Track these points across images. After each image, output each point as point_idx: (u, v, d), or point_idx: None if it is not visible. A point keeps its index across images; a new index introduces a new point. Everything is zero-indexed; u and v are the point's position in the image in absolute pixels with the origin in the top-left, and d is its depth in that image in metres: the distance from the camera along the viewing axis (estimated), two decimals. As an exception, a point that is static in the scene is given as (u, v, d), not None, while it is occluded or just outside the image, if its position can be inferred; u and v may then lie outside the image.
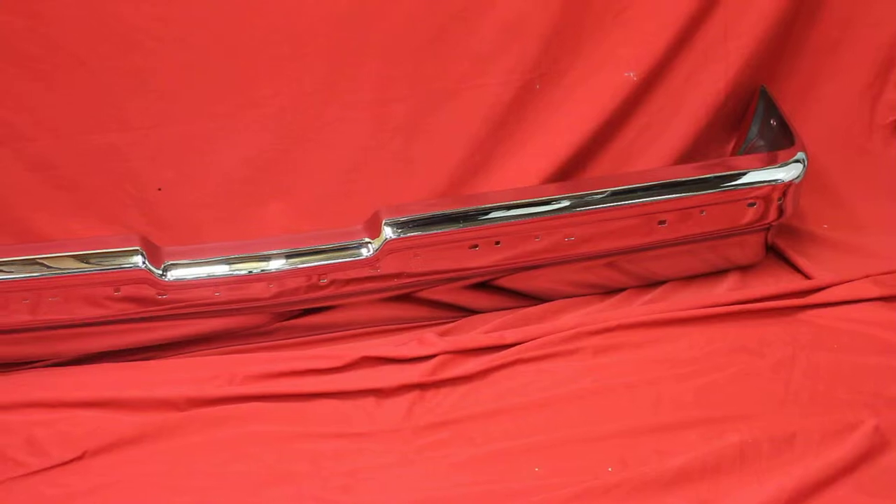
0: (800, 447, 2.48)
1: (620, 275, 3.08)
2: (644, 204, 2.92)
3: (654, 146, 3.23)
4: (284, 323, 2.96)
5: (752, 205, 2.98)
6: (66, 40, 2.87)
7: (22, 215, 2.98)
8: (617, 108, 3.16)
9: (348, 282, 2.86)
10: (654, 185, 2.94)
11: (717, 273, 3.15)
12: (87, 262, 2.70)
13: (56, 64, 2.88)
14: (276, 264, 2.81)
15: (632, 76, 3.13)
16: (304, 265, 2.82)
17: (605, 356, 2.83)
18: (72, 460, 2.53)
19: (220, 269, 2.79)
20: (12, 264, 2.68)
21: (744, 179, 2.96)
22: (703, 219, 2.97)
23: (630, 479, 2.39)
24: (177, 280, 2.76)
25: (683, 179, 2.95)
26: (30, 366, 2.86)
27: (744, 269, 3.16)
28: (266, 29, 2.96)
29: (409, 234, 2.81)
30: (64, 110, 2.93)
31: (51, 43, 2.87)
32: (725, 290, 3.07)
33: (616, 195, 2.91)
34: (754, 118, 3.26)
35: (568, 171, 3.18)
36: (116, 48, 2.90)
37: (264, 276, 2.80)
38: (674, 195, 2.93)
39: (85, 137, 2.95)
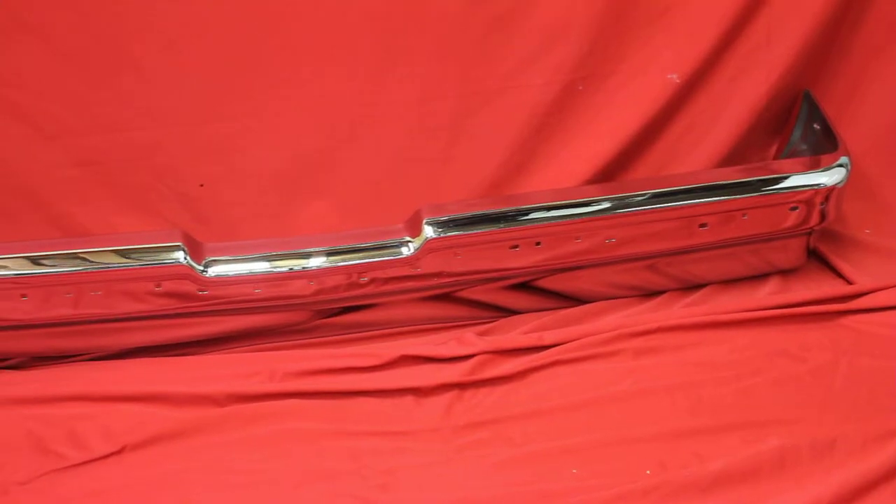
0: (840, 453, 2.47)
1: (661, 277, 3.07)
2: (685, 206, 2.91)
3: (697, 149, 3.22)
4: (324, 320, 2.97)
5: (794, 209, 2.97)
6: (113, 37, 2.88)
7: (66, 210, 2.99)
8: (659, 110, 3.15)
9: (388, 280, 2.87)
10: (696, 188, 2.93)
11: (759, 277, 3.14)
12: (128, 258, 2.71)
13: (103, 60, 2.90)
14: (316, 262, 2.82)
15: (675, 78, 3.12)
16: (345, 263, 2.82)
17: (644, 358, 2.83)
18: (112, 454, 2.54)
19: (261, 266, 2.80)
20: (55, 258, 2.70)
21: (786, 183, 2.95)
22: (745, 222, 2.96)
23: (668, 483, 2.39)
24: (218, 276, 2.77)
25: (725, 182, 2.94)
26: (71, 360, 2.88)
27: (785, 273, 3.15)
28: (311, 28, 2.97)
29: (449, 234, 2.81)
30: (110, 106, 2.94)
31: (98, 39, 2.88)
32: (767, 294, 3.06)
33: (657, 197, 2.90)
34: (797, 122, 3.24)
35: (609, 173, 3.17)
36: (162, 45, 2.91)
37: (305, 274, 2.81)
38: (715, 198, 2.92)
39: (130, 134, 2.96)
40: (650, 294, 3.10)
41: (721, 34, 3.12)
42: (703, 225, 2.93)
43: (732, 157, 3.23)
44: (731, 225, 2.96)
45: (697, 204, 2.91)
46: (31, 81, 2.89)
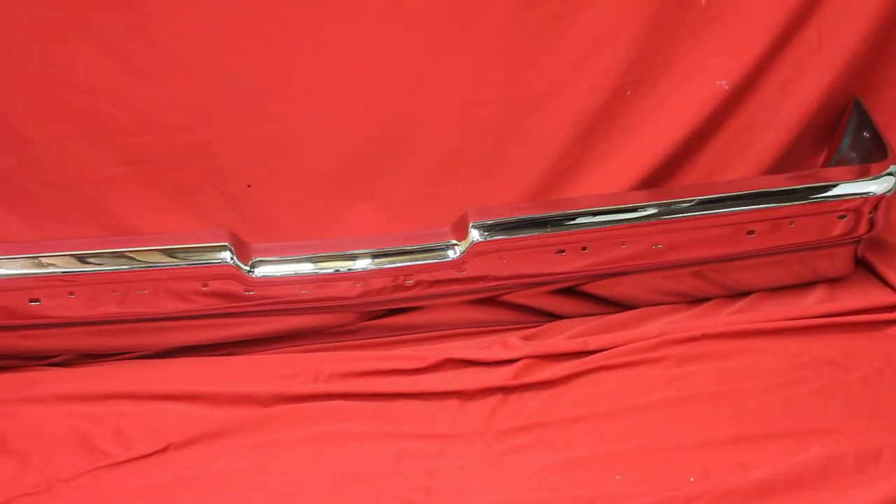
0: (886, 463, 2.45)
1: (707, 284, 3.06)
2: (733, 213, 2.90)
3: (745, 156, 3.20)
4: (369, 322, 2.98)
5: (842, 217, 2.95)
6: (163, 37, 2.90)
7: (114, 209, 3.01)
8: (708, 116, 3.13)
9: (434, 283, 2.87)
10: (744, 195, 2.92)
11: (805, 285, 3.12)
12: (175, 257, 2.73)
13: (154, 60, 2.92)
14: (362, 264, 2.82)
15: (724, 85, 3.11)
16: (391, 265, 2.83)
17: (689, 365, 2.82)
18: (156, 452, 2.55)
19: (307, 267, 2.81)
20: (102, 257, 2.72)
21: (835, 191, 2.94)
22: (793, 230, 2.95)
23: (711, 490, 2.37)
24: (264, 277, 2.78)
25: (773, 190, 2.93)
26: (117, 358, 2.90)
27: (832, 281, 3.13)
28: (360, 30, 2.97)
29: (495, 238, 2.81)
30: (159, 106, 2.96)
31: (149, 40, 2.90)
32: (813, 303, 3.05)
33: (704, 204, 2.90)
34: (847, 130, 3.22)
35: (657, 179, 3.16)
36: (212, 46, 2.93)
37: (350, 276, 2.82)
38: (763, 205, 2.91)
39: (178, 134, 2.98)
40: (695, 301, 3.09)
41: (772, 40, 3.10)
42: (750, 232, 2.92)
43: (781, 165, 3.21)
44: (779, 232, 2.95)
45: (745, 211, 2.90)
46: (80, 81, 2.91)
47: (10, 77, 2.88)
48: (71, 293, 2.72)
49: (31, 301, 2.72)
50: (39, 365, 2.87)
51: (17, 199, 2.98)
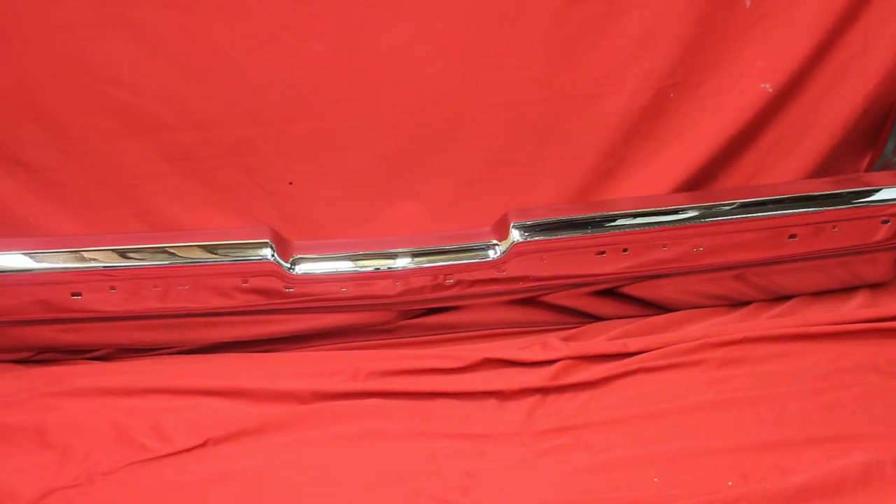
0: (927, 470, 2.44)
1: (748, 287, 3.05)
2: (774, 217, 2.90)
3: (788, 159, 3.19)
4: (408, 321, 2.98)
5: (885, 222, 2.94)
6: (208, 33, 2.91)
7: (156, 204, 3.03)
8: (751, 119, 3.12)
9: (474, 283, 2.87)
10: (786, 199, 2.92)
11: (847, 290, 3.11)
12: (215, 253, 2.74)
13: (198, 56, 2.93)
14: (402, 262, 2.83)
15: (768, 88, 3.10)
16: (431, 265, 2.83)
17: (728, 369, 2.81)
18: (195, 447, 2.57)
19: (348, 265, 2.82)
20: (143, 252, 2.73)
21: (878, 196, 2.92)
22: (835, 234, 2.93)
23: (750, 495, 2.37)
24: (304, 274, 2.79)
25: (816, 194, 2.92)
26: (157, 352, 2.92)
27: (874, 286, 3.12)
28: (406, 30, 2.98)
29: (536, 238, 2.81)
30: (203, 103, 2.97)
31: (194, 35, 2.91)
32: (854, 308, 3.03)
33: (746, 207, 2.89)
34: (891, 134, 3.21)
35: (699, 182, 3.16)
36: (257, 43, 2.94)
37: (391, 274, 2.82)
38: (806, 209, 2.90)
39: (221, 130, 2.99)
40: (736, 304, 3.08)
41: (817, 44, 3.09)
42: (792, 236, 2.91)
43: (824, 169, 3.19)
44: (821, 237, 2.94)
45: (787, 215, 2.89)
46: (126, 77, 2.92)
47: (55, 73, 2.90)
48: (112, 288, 2.74)
49: (73, 295, 2.74)
50: (80, 359, 2.90)
51: (61, 194, 3.00)
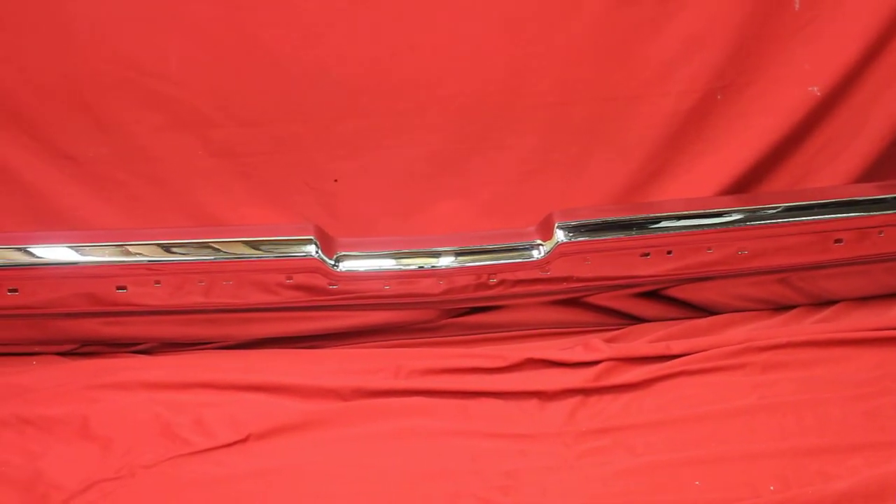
0: (970, 478, 2.42)
1: (792, 291, 3.03)
2: (820, 221, 2.88)
3: (834, 163, 3.18)
4: (451, 320, 2.98)
5: (932, 227, 2.92)
6: (255, 30, 2.93)
7: (201, 200, 3.05)
8: (798, 123, 3.11)
9: (517, 283, 2.87)
10: (831, 203, 2.90)
11: (891, 295, 3.09)
12: (259, 249, 2.75)
13: (244, 53, 2.95)
14: (446, 261, 2.83)
15: (815, 91, 3.09)
16: (474, 264, 2.83)
17: (772, 373, 2.79)
18: (236, 442, 2.57)
19: (391, 263, 2.82)
20: (187, 246, 2.74)
21: (925, 201, 2.91)
22: (881, 239, 2.92)
23: (791, 500, 2.35)
24: (348, 271, 2.80)
25: (862, 198, 2.91)
26: (200, 347, 2.93)
27: (920, 293, 3.11)
28: (451, 29, 2.99)
29: (580, 239, 2.81)
30: (248, 99, 2.99)
31: (240, 32, 2.93)
32: (899, 314, 3.02)
33: (791, 211, 2.88)
34: (940, 139, 3.20)
35: (745, 185, 3.15)
36: (303, 40, 2.95)
37: (434, 273, 2.83)
38: (851, 214, 2.89)
39: (266, 127, 3.01)
40: (780, 308, 3.07)
41: (865, 47, 3.08)
42: (838, 241, 2.90)
43: (871, 173, 3.18)
44: (867, 241, 2.92)
45: (832, 219, 2.88)
46: (173, 72, 2.94)
47: (103, 68, 2.92)
48: (157, 282, 2.75)
49: (119, 288, 2.75)
50: (124, 352, 2.92)
51: (107, 188, 3.02)
